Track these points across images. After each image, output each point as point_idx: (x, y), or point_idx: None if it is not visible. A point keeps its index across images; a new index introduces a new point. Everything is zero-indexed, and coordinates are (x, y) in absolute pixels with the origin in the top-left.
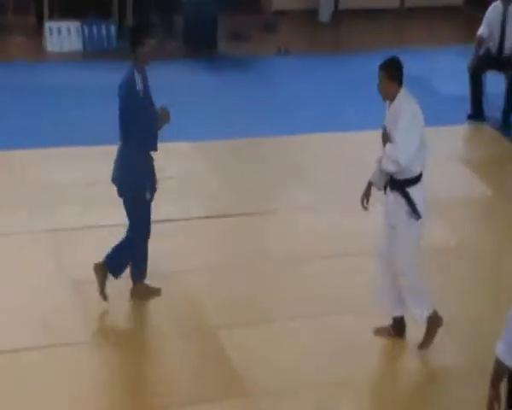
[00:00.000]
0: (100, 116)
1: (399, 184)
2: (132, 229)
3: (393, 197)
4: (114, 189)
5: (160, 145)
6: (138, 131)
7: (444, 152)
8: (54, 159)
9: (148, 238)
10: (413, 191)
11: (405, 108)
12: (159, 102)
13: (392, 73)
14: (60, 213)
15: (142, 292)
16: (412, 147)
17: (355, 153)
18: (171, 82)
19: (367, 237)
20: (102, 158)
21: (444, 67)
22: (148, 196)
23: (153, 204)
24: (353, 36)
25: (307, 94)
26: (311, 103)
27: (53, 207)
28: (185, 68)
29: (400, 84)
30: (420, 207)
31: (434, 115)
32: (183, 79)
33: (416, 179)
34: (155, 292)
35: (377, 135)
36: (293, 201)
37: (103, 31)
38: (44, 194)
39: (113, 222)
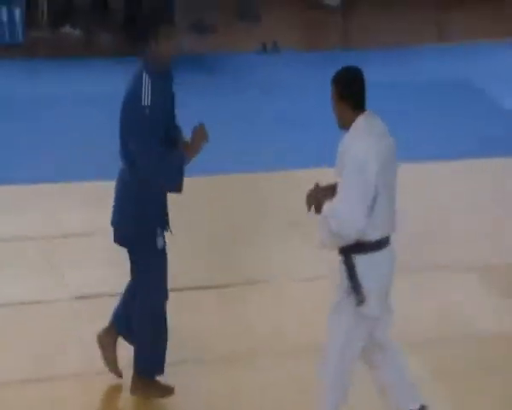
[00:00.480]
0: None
1: (343, 248)
2: (143, 294)
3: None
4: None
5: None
6: (146, 165)
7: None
8: None
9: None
10: (361, 262)
11: (354, 151)
12: (82, 113)
13: (345, 90)
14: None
15: (150, 390)
16: (354, 213)
17: None
18: (102, 89)
19: None
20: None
21: (503, 71)
22: (160, 243)
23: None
24: (372, 26)
25: (305, 109)
26: (310, 122)
27: None
28: (124, 70)
29: (358, 108)
30: (367, 287)
31: (497, 140)
32: (118, 86)
33: (370, 247)
34: (167, 391)
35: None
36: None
37: (3, 15)
38: None
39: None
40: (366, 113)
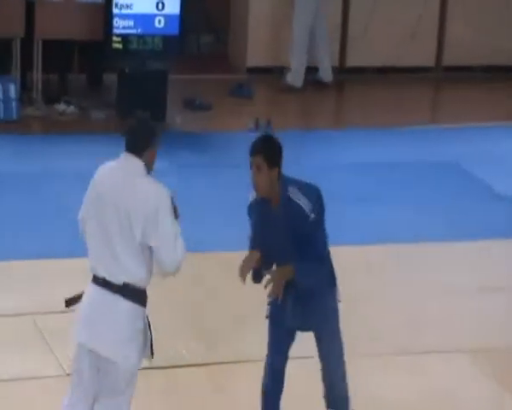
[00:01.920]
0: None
1: None
2: None
3: None
4: None
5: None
6: None
7: None
8: None
9: None
10: None
11: None
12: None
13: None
14: None
15: None
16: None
17: None
18: (94, 163)
19: None
20: None
21: (502, 156)
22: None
23: None
24: (366, 104)
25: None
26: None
27: None
28: (116, 146)
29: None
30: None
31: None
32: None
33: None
34: None
35: None
36: None
37: None
38: None
39: None
40: None
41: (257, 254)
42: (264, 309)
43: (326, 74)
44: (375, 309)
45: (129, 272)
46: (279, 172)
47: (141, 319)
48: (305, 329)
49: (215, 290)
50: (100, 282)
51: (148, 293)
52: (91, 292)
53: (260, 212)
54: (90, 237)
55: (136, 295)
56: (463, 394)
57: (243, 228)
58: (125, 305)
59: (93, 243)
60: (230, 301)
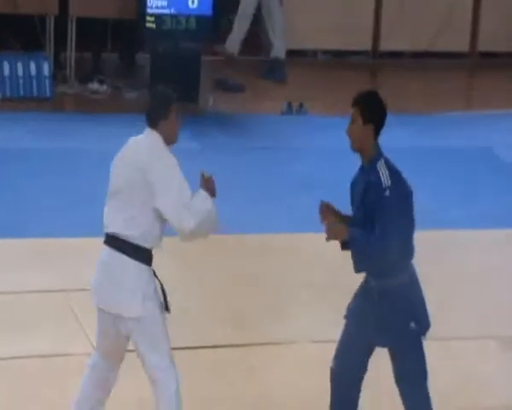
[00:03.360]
0: (25, 197)
1: None
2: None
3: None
4: None
5: None
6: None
7: None
8: None
9: None
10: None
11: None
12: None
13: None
14: None
15: None
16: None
17: None
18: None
19: None
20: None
21: None
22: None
23: None
24: (400, 89)
25: (329, 175)
26: (331, 186)
27: None
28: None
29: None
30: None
31: None
32: None
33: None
34: None
35: None
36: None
37: (32, 69)
38: None
39: None
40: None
41: (325, 204)
42: (295, 292)
43: (278, 51)
44: None
45: (123, 228)
46: (375, 131)
47: (145, 273)
48: (378, 344)
49: (246, 273)
50: (106, 240)
51: (181, 276)
52: (101, 253)
53: (356, 173)
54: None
55: (136, 252)
56: (496, 379)
57: (274, 210)
58: (126, 261)
59: (107, 204)
60: (263, 284)
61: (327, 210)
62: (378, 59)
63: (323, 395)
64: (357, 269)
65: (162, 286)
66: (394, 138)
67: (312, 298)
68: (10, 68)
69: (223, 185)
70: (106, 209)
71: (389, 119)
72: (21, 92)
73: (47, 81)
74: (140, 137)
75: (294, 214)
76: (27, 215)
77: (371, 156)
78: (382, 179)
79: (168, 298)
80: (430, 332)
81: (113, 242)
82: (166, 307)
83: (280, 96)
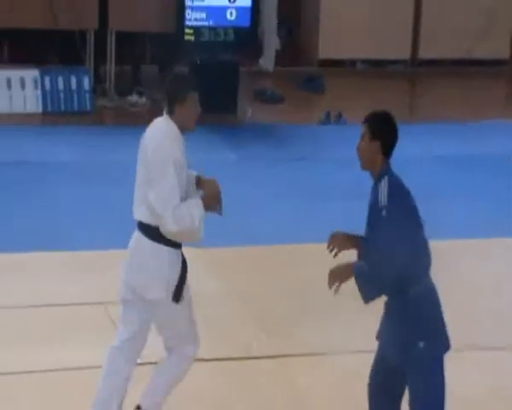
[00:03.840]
0: (66, 210)
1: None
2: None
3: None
4: None
5: None
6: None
7: None
8: None
9: None
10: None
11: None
12: None
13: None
14: None
15: None
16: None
17: None
18: None
19: None
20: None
21: None
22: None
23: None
24: (439, 97)
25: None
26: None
27: None
28: (186, 135)
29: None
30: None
31: None
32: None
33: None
34: None
35: None
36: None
37: (73, 84)
38: None
39: None
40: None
41: (338, 234)
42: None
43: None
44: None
45: (140, 212)
46: (382, 148)
47: (170, 257)
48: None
49: (283, 282)
50: (136, 225)
51: (216, 286)
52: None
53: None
54: None
55: (155, 234)
56: None
57: (313, 219)
58: (146, 243)
59: (135, 191)
60: (299, 293)
61: (335, 241)
62: (416, 67)
63: (363, 407)
64: (365, 301)
65: (183, 274)
66: (432, 147)
67: (353, 307)
68: (51, 83)
69: (260, 196)
70: (134, 196)
71: (426, 127)
72: (62, 107)
73: (87, 95)
74: (155, 123)
75: (333, 224)
76: (68, 228)
77: (378, 174)
78: (379, 198)
79: (187, 290)
80: (468, 342)
81: (140, 227)
82: (175, 297)
83: (318, 107)
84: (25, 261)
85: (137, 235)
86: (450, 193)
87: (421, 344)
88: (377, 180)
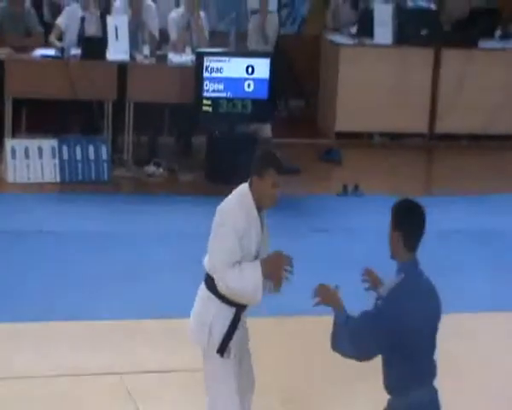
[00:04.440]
0: (82, 280)
1: None
2: None
3: None
4: None
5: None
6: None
7: None
8: None
9: None
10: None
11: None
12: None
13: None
14: None
15: None
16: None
17: None
18: (181, 228)
19: None
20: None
21: None
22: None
23: None
24: (457, 171)
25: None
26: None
27: None
28: (207, 209)
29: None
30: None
31: None
32: (201, 225)
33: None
34: None
35: None
36: None
37: (90, 153)
38: None
39: None
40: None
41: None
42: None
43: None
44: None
45: (205, 261)
46: (404, 239)
47: (213, 307)
48: None
49: (303, 353)
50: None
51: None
52: None
53: None
54: None
55: (212, 284)
56: None
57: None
58: (204, 291)
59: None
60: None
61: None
62: (434, 141)
63: None
64: (331, 347)
65: (232, 330)
66: (451, 220)
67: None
68: (69, 153)
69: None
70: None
71: (444, 200)
72: (80, 176)
73: (105, 165)
74: (237, 189)
75: (353, 295)
76: (84, 297)
77: (398, 267)
78: (384, 287)
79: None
80: None
81: (205, 276)
82: (221, 349)
83: (336, 179)
84: (40, 329)
85: (202, 283)
86: (470, 266)
87: None
88: (396, 272)
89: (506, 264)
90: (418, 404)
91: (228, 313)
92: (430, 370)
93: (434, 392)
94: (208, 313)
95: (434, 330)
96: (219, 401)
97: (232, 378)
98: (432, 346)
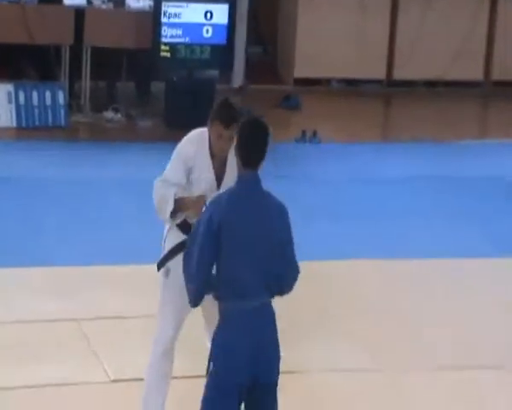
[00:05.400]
0: (40, 226)
1: None
2: None
3: None
4: None
5: None
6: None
7: None
8: None
9: None
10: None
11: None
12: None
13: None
14: None
15: None
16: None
17: None
18: (140, 174)
19: None
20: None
21: None
22: None
23: None
24: (413, 117)
25: (341, 201)
26: (343, 215)
27: None
28: (163, 154)
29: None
30: None
31: None
32: (159, 170)
33: None
34: None
35: None
36: None
37: (47, 99)
38: None
39: None
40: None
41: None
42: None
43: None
44: (426, 323)
45: None
46: (241, 156)
47: (166, 228)
48: None
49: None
50: None
51: None
52: None
53: None
54: None
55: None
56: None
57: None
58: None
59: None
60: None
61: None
62: (391, 87)
63: None
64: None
65: (175, 249)
66: (407, 167)
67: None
68: (25, 98)
69: None
70: None
71: (400, 146)
72: (36, 121)
73: (62, 110)
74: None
75: (308, 243)
76: (43, 244)
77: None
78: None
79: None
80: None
81: None
82: (158, 264)
83: (294, 125)
84: None
85: None
86: (424, 212)
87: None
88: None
89: (456, 209)
90: (226, 315)
91: (178, 236)
92: (233, 285)
93: (245, 311)
94: (165, 229)
95: (256, 245)
96: (158, 321)
97: (168, 303)
98: (250, 261)
